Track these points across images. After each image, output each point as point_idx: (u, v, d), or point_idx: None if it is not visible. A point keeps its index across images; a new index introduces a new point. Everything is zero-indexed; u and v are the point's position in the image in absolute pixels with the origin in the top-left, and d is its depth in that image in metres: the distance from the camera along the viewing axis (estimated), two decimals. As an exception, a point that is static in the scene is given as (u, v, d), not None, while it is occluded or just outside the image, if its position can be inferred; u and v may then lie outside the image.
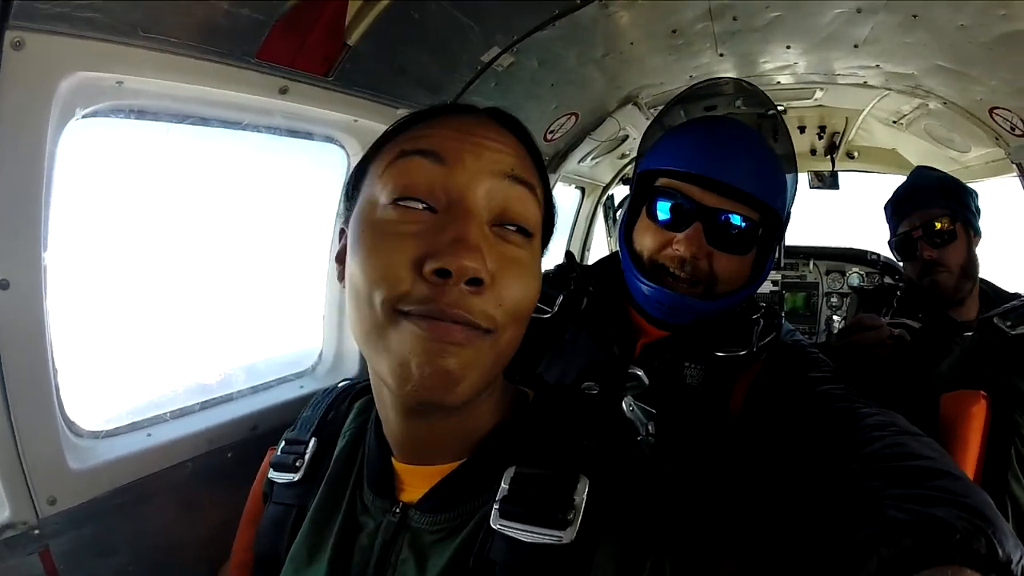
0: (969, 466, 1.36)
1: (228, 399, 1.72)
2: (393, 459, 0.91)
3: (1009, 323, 1.53)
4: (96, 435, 1.37)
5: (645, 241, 1.49)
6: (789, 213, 1.57)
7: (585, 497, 0.78)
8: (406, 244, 0.74)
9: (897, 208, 2.36)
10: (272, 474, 1.04)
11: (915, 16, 2.11)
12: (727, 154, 1.42)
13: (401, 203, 0.77)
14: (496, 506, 0.80)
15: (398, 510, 0.88)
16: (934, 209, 2.23)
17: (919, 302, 2.28)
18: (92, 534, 1.31)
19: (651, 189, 1.50)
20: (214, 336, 1.85)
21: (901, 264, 2.46)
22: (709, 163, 1.41)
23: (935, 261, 2.21)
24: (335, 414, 1.07)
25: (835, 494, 1.11)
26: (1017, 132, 2.53)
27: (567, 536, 0.76)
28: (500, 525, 0.79)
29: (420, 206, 0.77)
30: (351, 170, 0.91)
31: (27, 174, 1.11)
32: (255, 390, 1.82)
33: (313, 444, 1.03)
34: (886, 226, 2.45)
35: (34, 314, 1.17)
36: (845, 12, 2.22)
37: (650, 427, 1.37)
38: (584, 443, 0.85)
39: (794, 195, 1.58)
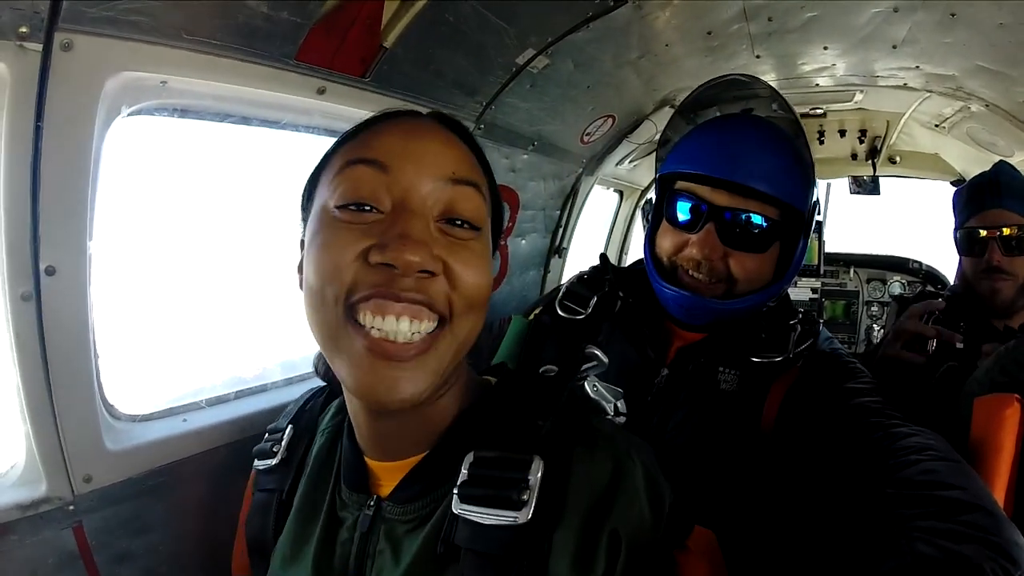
0: (1003, 470, 1.33)
1: (262, 389, 1.77)
2: (366, 458, 0.94)
3: None
4: (133, 418, 1.42)
5: (664, 244, 1.49)
6: (814, 211, 1.54)
7: (539, 477, 0.80)
8: (354, 239, 0.78)
9: (974, 200, 2.19)
10: (255, 463, 1.09)
11: (953, 15, 2.09)
12: (738, 153, 1.42)
13: (350, 208, 0.81)
14: (456, 491, 0.83)
15: (372, 503, 0.91)
16: (1015, 214, 2.09)
17: (964, 309, 2.15)
18: (125, 512, 1.35)
19: (668, 192, 1.51)
20: (252, 330, 1.90)
21: (959, 258, 2.29)
22: (718, 163, 1.41)
23: (1000, 267, 2.08)
24: (312, 404, 1.13)
25: (865, 517, 1.11)
26: (1062, 135, 2.47)
27: (523, 516, 0.78)
28: (461, 510, 0.81)
29: (368, 208, 0.80)
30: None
31: (75, 167, 1.17)
32: (289, 382, 1.86)
33: (289, 431, 1.08)
34: (930, 232, 2.35)
35: (79, 300, 1.22)
36: (882, 11, 2.19)
37: (619, 405, 1.37)
38: (539, 424, 0.86)
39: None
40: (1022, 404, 1.34)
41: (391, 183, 0.81)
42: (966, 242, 2.18)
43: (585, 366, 1.37)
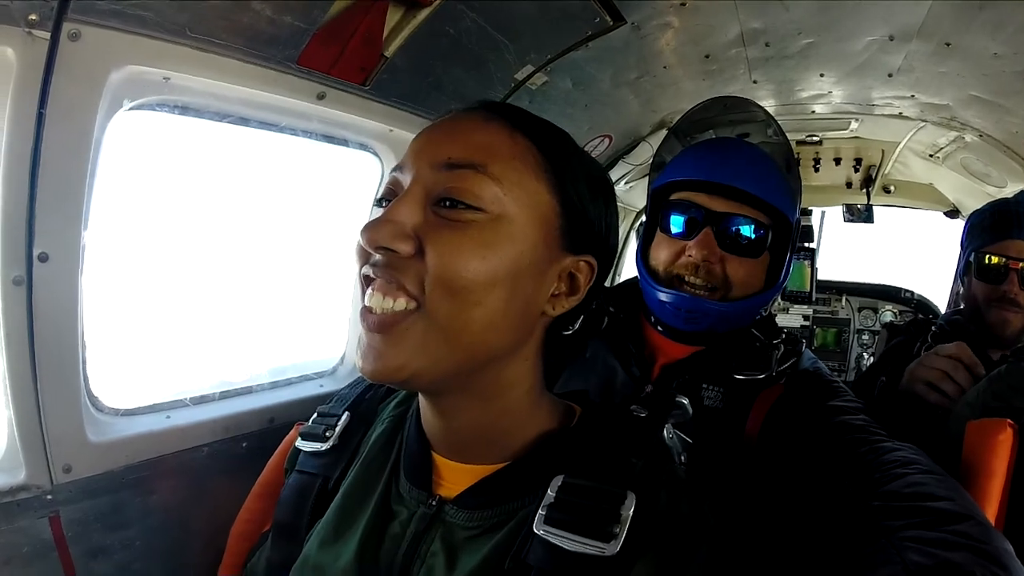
0: (995, 495, 1.32)
1: (247, 391, 1.77)
2: (434, 452, 0.93)
3: None
4: (117, 412, 1.43)
5: (660, 254, 1.51)
6: (799, 222, 1.59)
7: (632, 513, 0.79)
8: None
9: (998, 227, 2.11)
10: (299, 443, 1.07)
11: (948, 44, 2.12)
12: (731, 160, 1.48)
13: (381, 204, 0.86)
14: (542, 511, 0.82)
15: (434, 503, 0.90)
16: None
17: (960, 337, 2.13)
18: (103, 506, 1.35)
19: (663, 205, 1.54)
20: (241, 332, 1.91)
21: (964, 280, 2.21)
22: (714, 169, 1.46)
23: (1016, 300, 2.03)
24: (372, 395, 1.10)
25: (853, 530, 1.11)
26: (1054, 167, 2.49)
27: (611, 549, 0.77)
28: (543, 530, 0.80)
29: (387, 203, 0.84)
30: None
31: (75, 156, 1.19)
32: (275, 385, 1.87)
33: (346, 418, 1.06)
34: (922, 262, 2.31)
35: (69, 288, 1.23)
36: (877, 40, 2.23)
37: (683, 456, 1.37)
38: (632, 461, 0.86)
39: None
40: (1015, 429, 1.34)
41: (406, 178, 0.84)
42: (983, 268, 2.10)
43: (673, 412, 1.38)
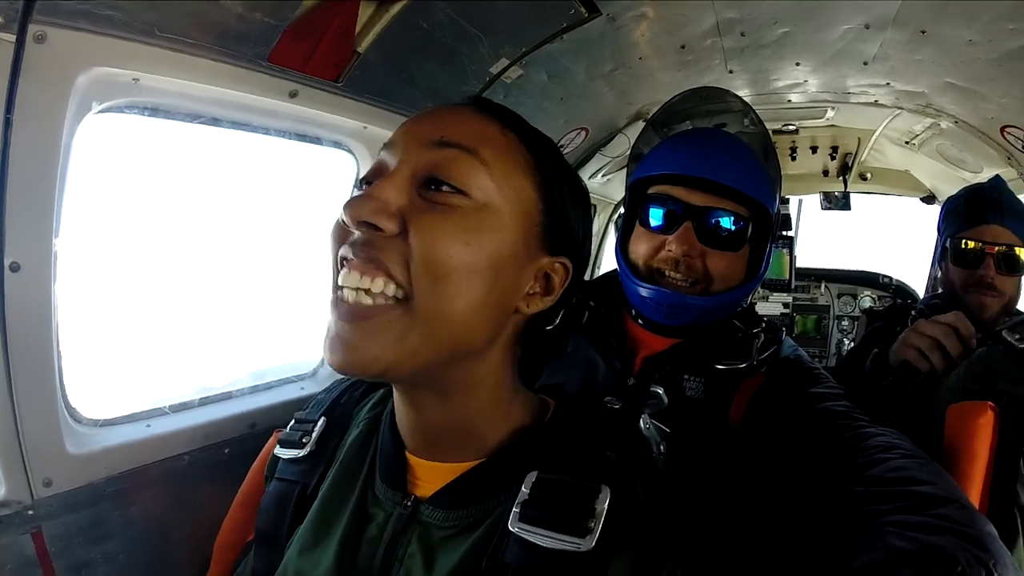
0: (977, 478, 1.34)
1: (227, 396, 1.75)
2: (408, 453, 0.92)
3: (1017, 336, 1.51)
4: (96, 422, 1.40)
5: (640, 248, 1.51)
6: (779, 213, 1.59)
7: (606, 507, 0.79)
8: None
9: (973, 212, 2.13)
10: (278, 450, 1.05)
11: (923, 32, 2.13)
12: (711, 154, 1.47)
13: (364, 183, 0.84)
14: (516, 509, 0.81)
15: (409, 503, 0.88)
16: (1014, 234, 2.06)
17: None
18: (85, 519, 1.33)
19: (642, 198, 1.53)
20: (220, 336, 1.89)
21: (942, 265, 2.23)
22: (693, 163, 1.45)
23: (993, 284, 2.05)
24: (347, 399, 1.09)
25: (836, 516, 1.12)
26: (1030, 150, 2.52)
27: (586, 544, 0.76)
28: (518, 528, 0.79)
29: (371, 182, 0.83)
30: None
31: (44, 162, 1.16)
32: (255, 389, 1.85)
33: (322, 423, 1.04)
34: (900, 247, 2.31)
35: (42, 298, 1.21)
36: (853, 28, 2.24)
37: (662, 446, 1.38)
38: (607, 454, 0.85)
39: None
40: (995, 412, 1.35)
41: (393, 158, 0.82)
42: (959, 253, 2.12)
43: (648, 403, 1.38)
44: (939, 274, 2.24)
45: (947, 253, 2.15)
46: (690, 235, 1.43)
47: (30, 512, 1.22)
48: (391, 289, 0.76)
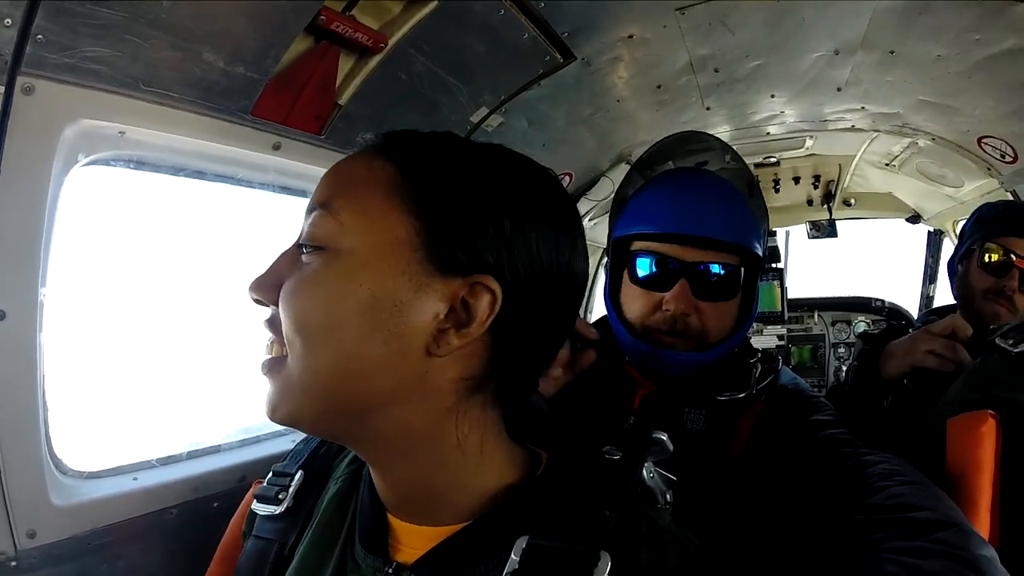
0: (985, 487, 1.31)
1: (216, 450, 1.72)
2: (389, 514, 0.86)
3: (1011, 342, 1.50)
4: (81, 474, 1.37)
5: (634, 307, 1.49)
6: (767, 251, 1.57)
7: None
8: None
9: (1014, 221, 2.08)
10: (255, 505, 1.00)
11: (892, 52, 2.18)
12: (698, 206, 1.44)
13: None
14: None
15: (391, 570, 0.82)
16: None
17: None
18: (70, 572, 1.29)
19: (630, 252, 1.51)
20: (209, 388, 1.88)
21: (960, 266, 2.17)
22: (683, 219, 1.43)
23: (1012, 298, 2.00)
24: (326, 450, 1.04)
25: (835, 545, 1.12)
26: (1008, 159, 2.55)
27: None
28: None
29: None
30: None
31: (30, 212, 1.17)
32: (244, 443, 1.82)
33: (299, 477, 0.99)
34: (889, 269, 2.29)
35: (28, 347, 1.20)
36: (824, 55, 2.28)
37: (668, 495, 1.35)
38: (605, 514, 0.76)
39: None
40: (997, 419, 1.33)
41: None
42: (988, 258, 2.06)
43: (651, 450, 1.35)
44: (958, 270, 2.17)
45: (973, 255, 2.09)
46: (687, 293, 1.41)
47: (13, 564, 1.19)
48: (278, 350, 0.77)
